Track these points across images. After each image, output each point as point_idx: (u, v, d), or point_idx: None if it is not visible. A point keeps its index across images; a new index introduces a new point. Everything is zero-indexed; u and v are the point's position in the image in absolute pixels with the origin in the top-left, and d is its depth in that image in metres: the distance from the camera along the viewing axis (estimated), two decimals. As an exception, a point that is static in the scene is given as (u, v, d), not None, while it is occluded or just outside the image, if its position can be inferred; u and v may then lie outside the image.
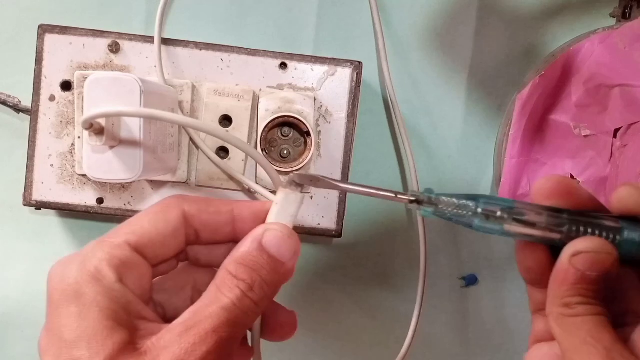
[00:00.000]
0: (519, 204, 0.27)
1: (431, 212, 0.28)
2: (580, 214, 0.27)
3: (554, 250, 0.27)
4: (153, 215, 0.28)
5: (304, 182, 0.30)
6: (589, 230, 0.26)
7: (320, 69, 0.44)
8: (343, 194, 0.44)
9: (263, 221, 0.30)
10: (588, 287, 0.25)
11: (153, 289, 0.29)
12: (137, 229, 0.28)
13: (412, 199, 0.28)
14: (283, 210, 0.30)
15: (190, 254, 0.31)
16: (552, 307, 0.26)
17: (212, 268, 0.31)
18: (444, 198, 0.28)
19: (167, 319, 0.28)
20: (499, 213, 0.27)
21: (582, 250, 0.26)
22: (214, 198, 0.31)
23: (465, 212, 0.27)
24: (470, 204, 0.27)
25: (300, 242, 0.29)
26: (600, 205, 0.28)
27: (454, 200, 0.28)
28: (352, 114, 0.44)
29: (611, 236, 0.26)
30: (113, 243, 0.27)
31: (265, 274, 0.27)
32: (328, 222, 0.44)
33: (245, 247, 0.28)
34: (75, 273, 0.26)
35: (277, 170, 0.42)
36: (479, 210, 0.27)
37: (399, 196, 0.28)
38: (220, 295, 0.26)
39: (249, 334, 0.33)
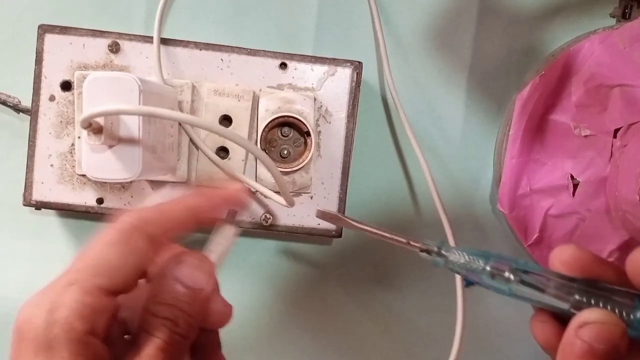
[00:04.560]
0: (530, 266, 0.27)
1: (442, 263, 0.29)
2: (592, 284, 0.26)
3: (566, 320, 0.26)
4: (120, 248, 0.27)
5: (325, 219, 0.32)
6: (600, 303, 0.25)
7: (320, 69, 0.44)
8: (343, 193, 0.44)
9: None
10: None
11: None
12: (106, 270, 0.26)
13: (423, 248, 0.29)
14: (216, 242, 0.32)
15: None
16: None
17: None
18: (454, 251, 0.28)
19: (130, 332, 0.29)
20: (506, 273, 0.27)
21: (589, 321, 0.25)
22: (169, 204, 0.30)
23: (474, 268, 0.28)
24: (480, 260, 0.27)
25: (213, 265, 0.30)
26: (620, 276, 0.27)
27: (464, 254, 0.28)
28: (352, 114, 0.44)
29: (623, 312, 0.25)
30: (83, 288, 0.26)
31: (186, 306, 0.28)
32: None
33: (161, 286, 0.28)
34: (43, 322, 0.25)
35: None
36: (488, 268, 0.27)
37: (411, 243, 0.30)
38: (151, 337, 0.27)
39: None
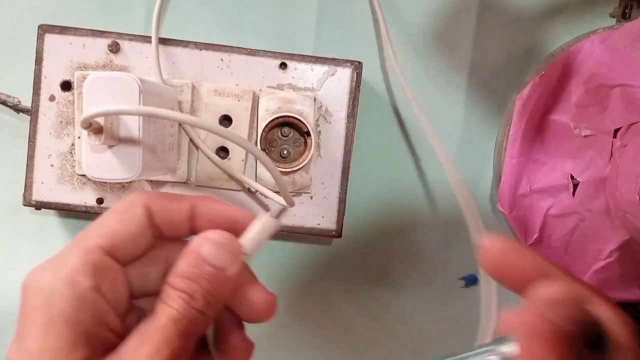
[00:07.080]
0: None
1: None
2: None
3: None
4: (120, 215, 0.28)
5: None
6: None
7: (320, 69, 0.44)
8: (343, 193, 0.44)
9: (219, 223, 0.30)
10: None
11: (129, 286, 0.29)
12: (107, 232, 0.28)
13: None
14: (254, 231, 0.30)
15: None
16: None
17: (182, 240, 0.31)
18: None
19: (143, 293, 0.30)
20: None
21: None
22: (175, 194, 0.31)
23: None
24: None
25: (240, 247, 0.29)
26: None
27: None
28: (352, 114, 0.44)
29: None
30: (86, 247, 0.27)
31: (206, 283, 0.27)
32: (328, 222, 0.44)
33: (183, 260, 0.28)
34: (48, 281, 0.26)
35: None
36: None
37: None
38: (165, 306, 0.27)
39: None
